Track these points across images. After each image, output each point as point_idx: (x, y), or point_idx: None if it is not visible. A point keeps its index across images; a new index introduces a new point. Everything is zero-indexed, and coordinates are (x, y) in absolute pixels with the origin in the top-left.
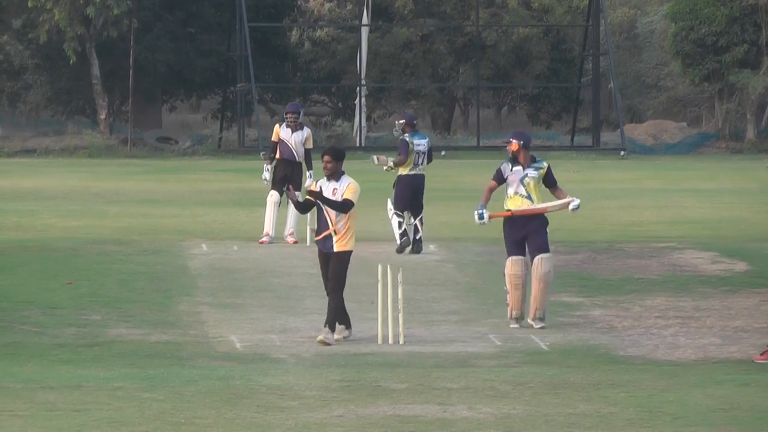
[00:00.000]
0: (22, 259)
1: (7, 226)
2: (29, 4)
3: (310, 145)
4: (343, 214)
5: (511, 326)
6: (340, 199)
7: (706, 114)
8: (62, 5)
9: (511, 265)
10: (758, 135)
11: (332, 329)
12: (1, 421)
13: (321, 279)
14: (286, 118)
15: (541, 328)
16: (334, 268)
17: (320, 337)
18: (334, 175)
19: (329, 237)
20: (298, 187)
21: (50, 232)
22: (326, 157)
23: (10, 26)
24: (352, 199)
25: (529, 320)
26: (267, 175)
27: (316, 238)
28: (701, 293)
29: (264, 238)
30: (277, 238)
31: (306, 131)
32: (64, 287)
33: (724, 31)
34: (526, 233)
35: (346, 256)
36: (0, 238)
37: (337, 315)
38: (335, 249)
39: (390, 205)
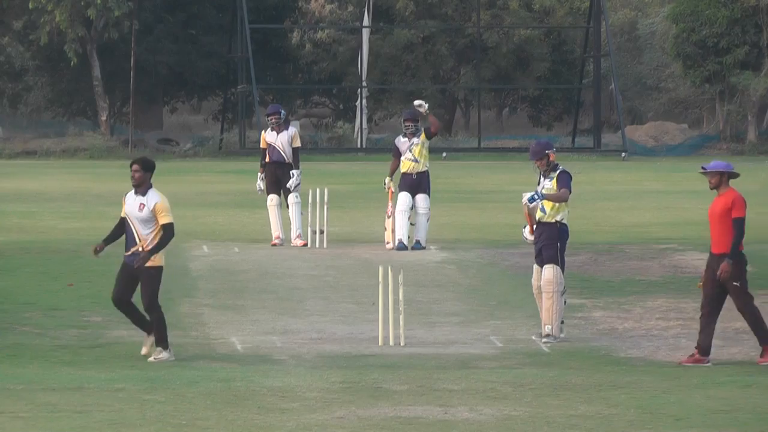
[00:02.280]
0: (24, 260)
1: (9, 227)
2: (30, 6)
3: (297, 144)
4: (152, 230)
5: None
6: (146, 215)
7: (707, 115)
8: (63, 7)
9: (533, 274)
10: (759, 136)
11: (165, 347)
12: (2, 422)
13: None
14: (269, 121)
15: (546, 343)
16: (146, 285)
17: (150, 358)
18: (141, 187)
19: (138, 253)
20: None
21: (51, 234)
22: (135, 167)
23: (11, 28)
24: (171, 221)
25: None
26: (261, 184)
27: (126, 253)
28: None
29: (276, 241)
30: (286, 240)
31: (291, 130)
32: (66, 289)
33: (725, 33)
34: (540, 246)
35: (156, 272)
36: (1, 240)
37: (163, 329)
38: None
39: (427, 204)
